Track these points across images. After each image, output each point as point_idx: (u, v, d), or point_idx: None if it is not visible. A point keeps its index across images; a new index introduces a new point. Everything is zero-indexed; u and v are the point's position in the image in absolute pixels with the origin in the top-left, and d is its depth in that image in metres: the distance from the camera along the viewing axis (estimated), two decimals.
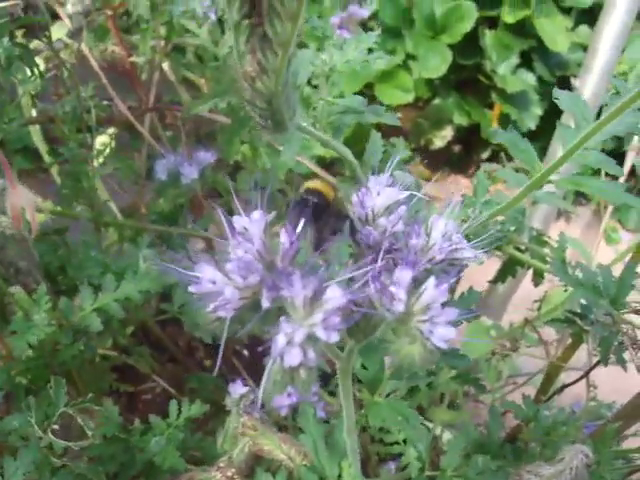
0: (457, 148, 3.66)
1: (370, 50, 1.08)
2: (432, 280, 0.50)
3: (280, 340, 0.46)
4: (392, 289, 0.50)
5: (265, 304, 0.47)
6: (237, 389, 0.96)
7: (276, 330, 0.46)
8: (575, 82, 2.15)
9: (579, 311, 1.22)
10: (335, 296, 0.46)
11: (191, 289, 0.50)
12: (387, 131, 1.18)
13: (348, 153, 1.03)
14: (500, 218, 1.14)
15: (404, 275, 0.50)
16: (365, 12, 1.54)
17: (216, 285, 0.49)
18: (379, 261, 0.51)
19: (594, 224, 3.48)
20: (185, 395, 1.71)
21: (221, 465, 0.85)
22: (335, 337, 0.45)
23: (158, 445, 1.05)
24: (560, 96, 0.91)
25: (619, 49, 2.14)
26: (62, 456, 0.94)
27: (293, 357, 0.45)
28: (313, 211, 0.55)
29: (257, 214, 0.52)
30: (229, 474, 0.84)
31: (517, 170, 1.37)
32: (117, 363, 1.58)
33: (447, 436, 1.59)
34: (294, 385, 0.47)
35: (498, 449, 1.31)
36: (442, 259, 0.57)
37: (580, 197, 3.59)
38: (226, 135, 1.33)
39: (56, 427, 0.99)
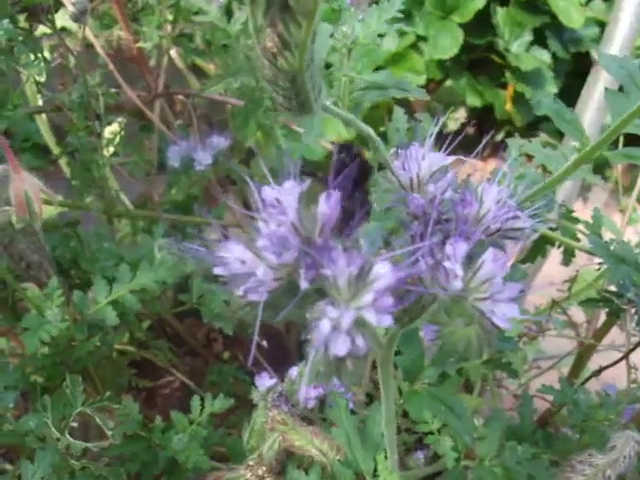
0: (471, 130, 3.59)
1: (396, 20, 1.01)
2: (490, 252, 0.44)
3: (324, 326, 0.39)
4: (446, 264, 0.44)
5: (303, 285, 0.41)
6: (264, 382, 0.91)
7: (317, 315, 0.40)
8: (595, 54, 2.08)
9: (615, 290, 1.16)
10: (385, 273, 0.40)
11: (217, 270, 0.44)
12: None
13: (371, 132, 0.97)
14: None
15: (459, 248, 0.44)
16: None
17: (246, 265, 0.43)
18: (428, 233, 0.45)
19: (611, 204, 3.41)
20: (204, 389, 1.67)
21: (250, 463, 0.80)
22: (388, 320, 0.39)
23: (181, 443, 1.00)
24: (605, 59, 0.84)
25: None
26: (81, 458, 0.90)
27: (340, 345, 0.39)
28: (355, 171, 0.48)
29: (290, 183, 0.45)
30: (260, 473, 0.79)
31: (544, 145, 1.31)
32: (134, 358, 1.54)
33: (476, 423, 1.54)
34: (340, 377, 0.41)
35: (530, 435, 1.26)
36: (497, 229, 0.51)
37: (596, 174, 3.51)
38: (241, 116, 1.27)
39: (74, 425, 0.95)
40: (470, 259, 0.45)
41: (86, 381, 1.23)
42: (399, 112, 1.07)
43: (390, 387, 0.59)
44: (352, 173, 0.44)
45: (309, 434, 0.81)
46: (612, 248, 1.07)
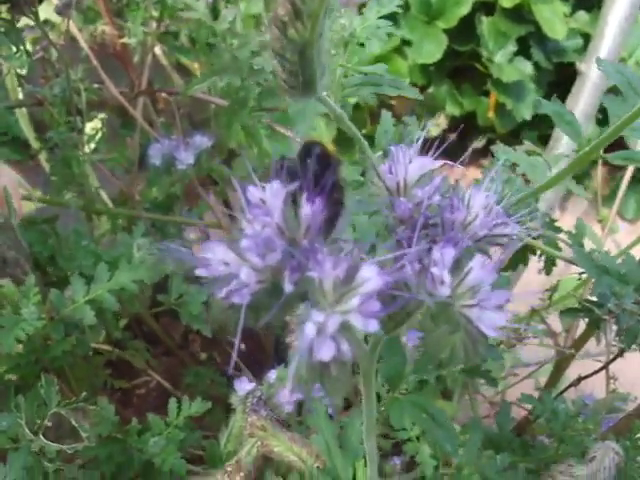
0: (452, 137, 3.59)
1: (395, 15, 1.00)
2: (478, 259, 0.43)
3: (309, 330, 0.38)
4: (434, 270, 0.43)
5: (288, 288, 0.40)
6: (243, 386, 0.90)
7: (301, 318, 0.39)
8: (581, 66, 2.10)
9: (595, 299, 1.16)
10: (371, 277, 0.39)
11: (199, 272, 0.43)
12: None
13: (358, 133, 0.96)
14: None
15: (446, 254, 0.43)
16: None
17: (229, 267, 0.42)
18: (415, 238, 0.45)
19: (591, 213, 3.43)
20: (181, 389, 1.65)
21: (228, 469, 0.79)
22: (374, 325, 0.38)
23: (157, 446, 0.98)
24: (604, 65, 0.84)
25: (626, 32, 2.09)
26: (55, 459, 0.88)
27: (325, 350, 0.38)
28: (326, 172, 0.47)
29: (275, 184, 0.44)
30: (237, 478, 0.77)
31: (529, 154, 1.31)
32: (110, 358, 1.52)
33: None
34: (323, 383, 0.40)
35: (508, 444, 1.26)
36: (485, 235, 0.50)
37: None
38: (225, 117, 1.25)
39: (48, 425, 0.93)
40: (457, 265, 0.44)
41: (61, 381, 1.21)
42: (387, 115, 1.07)
43: (372, 394, 0.58)
44: (328, 174, 0.43)
45: (288, 440, 0.80)
46: (595, 259, 1.07)
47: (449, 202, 0.50)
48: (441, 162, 0.53)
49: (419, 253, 0.44)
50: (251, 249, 0.41)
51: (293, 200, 0.43)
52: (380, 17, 0.97)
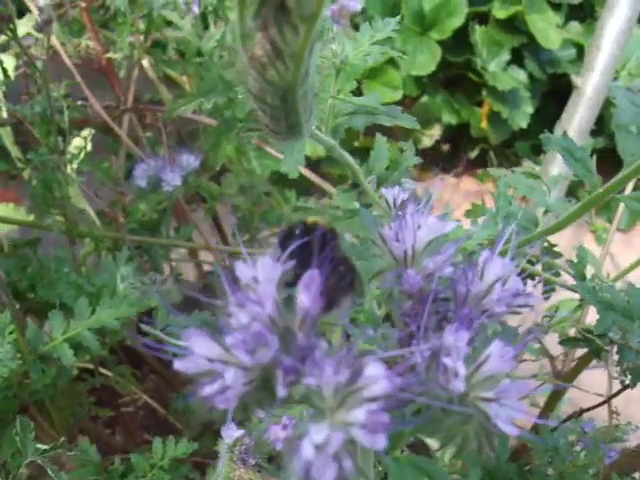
0: (445, 147, 3.56)
1: (390, 39, 0.95)
2: (496, 346, 0.38)
3: (307, 451, 0.32)
4: (447, 361, 0.38)
5: (281, 392, 0.35)
6: (231, 432, 0.85)
7: (297, 434, 0.34)
8: (577, 80, 2.06)
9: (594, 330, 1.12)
10: (379, 378, 0.33)
11: (177, 366, 0.37)
12: (374, 131, 1.07)
13: (352, 161, 0.92)
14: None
15: (460, 338, 0.38)
16: (357, 4, 1.43)
17: (213, 364, 0.37)
18: (425, 316, 0.39)
19: (583, 224, 3.41)
20: (169, 410, 1.59)
21: None
22: (382, 442, 0.32)
23: None
24: (618, 93, 0.78)
25: (621, 45, 2.05)
26: None
27: (326, 473, 0.32)
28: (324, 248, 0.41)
29: (268, 261, 0.39)
30: None
31: (527, 176, 1.27)
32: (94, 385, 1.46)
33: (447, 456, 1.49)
34: None
35: (504, 474, 1.21)
36: (502, 312, 0.45)
37: (568, 197, 3.52)
38: (212, 138, 1.20)
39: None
40: (469, 344, 0.39)
41: (42, 414, 1.15)
42: (381, 140, 1.02)
43: (370, 462, 0.53)
44: (327, 250, 0.37)
45: None
46: (597, 287, 1.03)
47: (462, 274, 0.45)
48: (453, 224, 0.47)
49: (429, 338, 0.39)
50: (238, 346, 0.35)
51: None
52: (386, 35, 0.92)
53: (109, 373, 1.51)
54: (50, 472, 0.82)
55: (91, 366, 1.50)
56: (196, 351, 0.37)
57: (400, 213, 0.47)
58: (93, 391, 1.53)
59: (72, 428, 1.34)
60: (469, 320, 0.40)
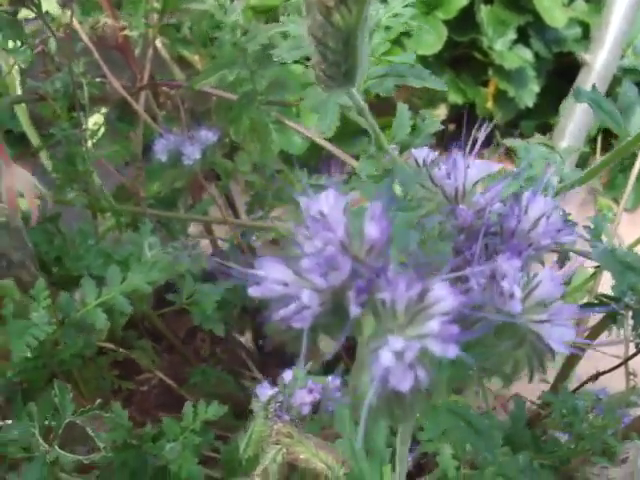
0: (451, 127, 3.57)
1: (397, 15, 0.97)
2: (547, 271, 0.41)
3: (385, 358, 0.35)
4: (504, 284, 0.40)
5: (355, 311, 0.37)
6: (264, 391, 0.87)
7: (376, 345, 0.36)
8: (585, 57, 2.08)
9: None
10: (446, 296, 0.36)
11: (252, 292, 0.40)
12: (379, 111, 1.09)
13: (377, 127, 0.94)
14: None
15: (513, 265, 0.41)
16: None
17: (288, 287, 0.39)
18: (478, 248, 0.42)
19: (589, 202, 3.42)
20: (184, 387, 1.62)
21: (256, 477, 0.76)
22: (454, 351, 0.35)
23: (174, 452, 0.95)
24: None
25: (630, 21, 2.07)
26: (70, 470, 0.85)
27: (404, 380, 0.35)
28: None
29: (332, 194, 0.41)
30: None
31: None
32: (117, 359, 1.48)
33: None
34: (398, 412, 0.37)
35: (525, 442, 1.24)
36: (547, 244, 0.47)
37: None
38: (234, 112, 1.22)
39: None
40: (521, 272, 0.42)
41: (69, 384, 1.18)
42: (403, 108, 1.04)
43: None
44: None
45: (314, 447, 0.77)
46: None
47: (510, 209, 0.47)
48: (499, 165, 0.50)
49: (483, 265, 0.41)
50: (313, 269, 0.38)
51: None
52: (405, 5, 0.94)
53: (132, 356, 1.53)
54: (90, 432, 0.84)
55: (110, 345, 1.52)
56: (271, 276, 0.39)
57: (450, 154, 0.49)
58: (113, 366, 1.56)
59: (96, 400, 1.37)
60: (519, 251, 0.42)
